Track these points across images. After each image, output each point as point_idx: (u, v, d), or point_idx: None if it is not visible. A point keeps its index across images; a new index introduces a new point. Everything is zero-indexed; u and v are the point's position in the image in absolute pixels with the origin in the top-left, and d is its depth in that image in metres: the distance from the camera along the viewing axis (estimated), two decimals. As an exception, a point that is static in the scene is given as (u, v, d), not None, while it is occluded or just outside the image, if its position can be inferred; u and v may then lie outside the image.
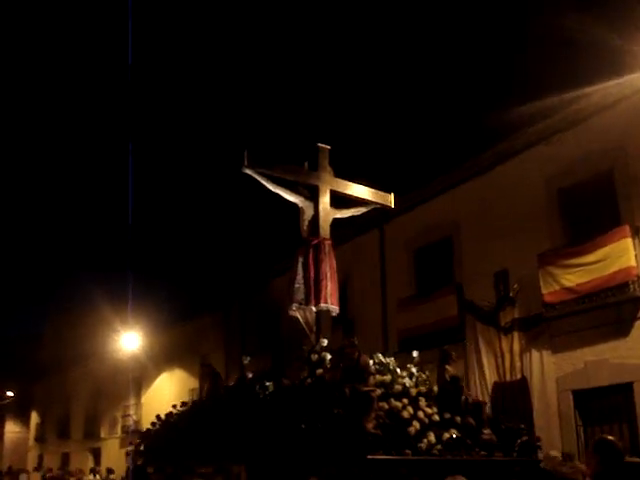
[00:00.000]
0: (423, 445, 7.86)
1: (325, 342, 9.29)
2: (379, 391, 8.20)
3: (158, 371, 29.80)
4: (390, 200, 11.30)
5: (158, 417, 11.78)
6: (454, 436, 8.22)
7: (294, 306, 10.11)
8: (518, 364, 13.88)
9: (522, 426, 9.67)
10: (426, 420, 8.21)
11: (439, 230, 16.67)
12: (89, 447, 36.13)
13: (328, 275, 10.09)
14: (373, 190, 11.15)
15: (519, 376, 13.84)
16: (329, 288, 10.05)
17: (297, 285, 10.09)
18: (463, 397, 8.99)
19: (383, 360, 9.18)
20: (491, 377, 14.38)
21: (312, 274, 10.05)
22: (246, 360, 9.43)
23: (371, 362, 8.72)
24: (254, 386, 9.14)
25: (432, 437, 8.03)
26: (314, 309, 9.99)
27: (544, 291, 13.33)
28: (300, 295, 10.06)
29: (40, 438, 43.56)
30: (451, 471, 6.73)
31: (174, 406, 11.62)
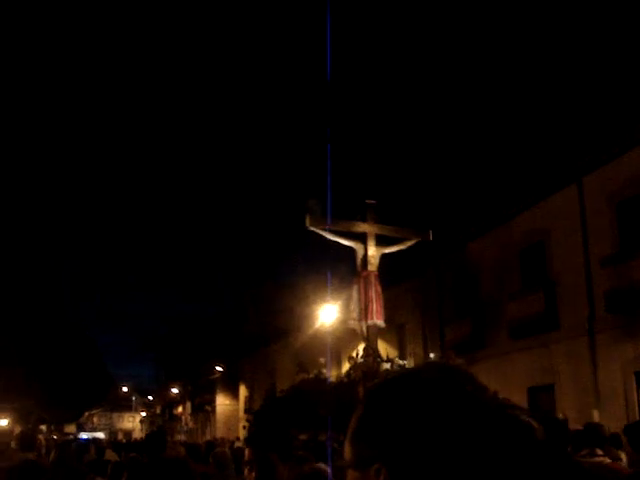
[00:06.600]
0: None
1: (361, 350, 13.69)
2: None
3: (357, 342, 30.26)
4: (429, 235, 15.78)
5: (264, 400, 18.91)
6: None
7: (351, 321, 14.45)
8: None
9: None
10: None
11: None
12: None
13: (374, 298, 14.00)
14: (412, 230, 15.71)
15: None
16: (375, 308, 13.92)
17: (352, 306, 14.27)
18: None
19: (401, 363, 13.30)
20: None
21: (363, 298, 14.02)
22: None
23: (388, 365, 12.76)
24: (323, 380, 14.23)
25: None
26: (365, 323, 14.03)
27: None
28: (354, 313, 14.15)
29: (249, 410, 45.68)
30: None
31: (280, 391, 17.81)
